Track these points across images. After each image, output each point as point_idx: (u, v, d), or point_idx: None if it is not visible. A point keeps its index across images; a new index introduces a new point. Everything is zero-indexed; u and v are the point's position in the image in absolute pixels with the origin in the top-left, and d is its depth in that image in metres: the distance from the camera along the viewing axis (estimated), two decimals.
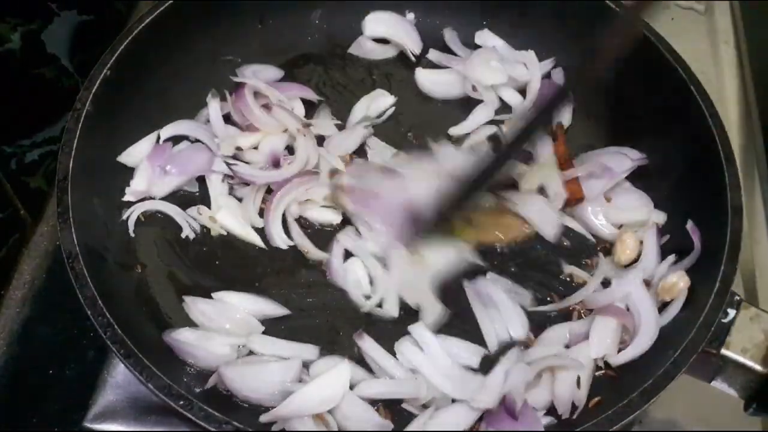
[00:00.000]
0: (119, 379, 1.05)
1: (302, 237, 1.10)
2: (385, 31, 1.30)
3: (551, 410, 0.97)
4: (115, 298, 0.94)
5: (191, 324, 1.02)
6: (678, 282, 1.01)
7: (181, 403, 0.85)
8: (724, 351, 0.93)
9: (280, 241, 1.10)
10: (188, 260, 1.09)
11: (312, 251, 1.09)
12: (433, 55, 1.31)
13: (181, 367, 0.97)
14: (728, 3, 1.58)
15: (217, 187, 1.13)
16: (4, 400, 1.08)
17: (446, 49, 1.32)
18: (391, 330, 1.03)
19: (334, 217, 1.12)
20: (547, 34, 1.29)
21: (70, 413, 1.05)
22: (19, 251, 1.20)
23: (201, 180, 1.14)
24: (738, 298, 0.95)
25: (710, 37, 1.54)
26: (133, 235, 1.08)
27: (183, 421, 0.85)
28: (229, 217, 1.11)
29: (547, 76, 1.29)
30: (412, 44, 1.31)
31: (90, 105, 1.04)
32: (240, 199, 1.13)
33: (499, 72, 1.25)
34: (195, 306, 1.02)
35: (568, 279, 1.10)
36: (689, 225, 1.06)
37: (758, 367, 0.93)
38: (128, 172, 1.12)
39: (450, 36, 1.33)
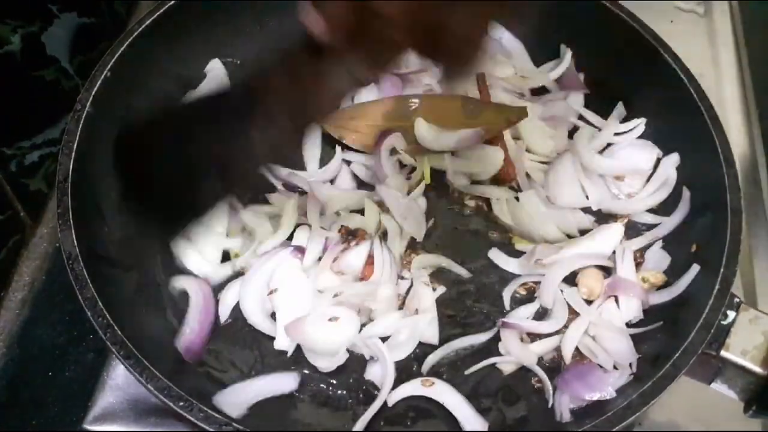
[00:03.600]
0: (119, 380, 1.05)
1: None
2: None
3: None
4: (115, 299, 0.94)
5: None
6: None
7: (181, 404, 0.85)
8: (723, 353, 0.93)
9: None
10: None
11: None
12: None
13: (181, 367, 0.97)
14: (728, 5, 1.58)
15: None
16: (4, 401, 1.07)
17: None
18: None
19: None
20: (548, 35, 1.29)
21: (70, 415, 1.05)
22: (19, 253, 1.20)
23: None
24: (737, 300, 0.95)
25: (710, 40, 1.54)
26: None
27: (183, 422, 0.85)
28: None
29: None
30: None
31: (90, 106, 1.04)
32: None
33: (504, 65, 1.25)
34: None
35: None
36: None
37: (758, 369, 0.93)
38: None
39: None
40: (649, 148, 1.18)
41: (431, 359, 1.02)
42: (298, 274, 1.05)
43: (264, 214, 1.11)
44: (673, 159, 1.15)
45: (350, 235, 1.07)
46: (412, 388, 0.99)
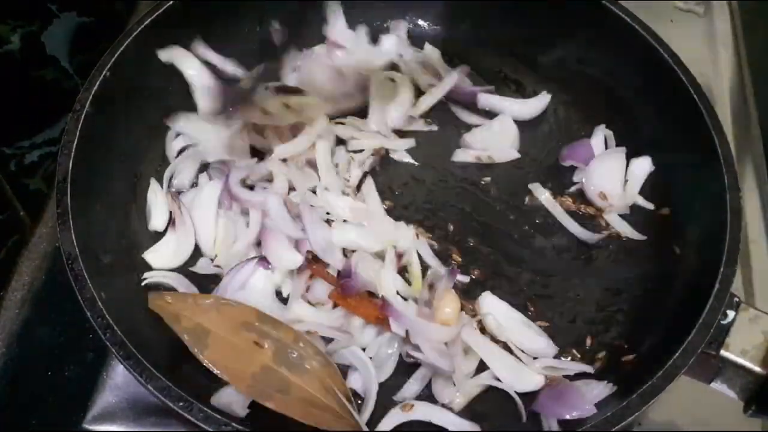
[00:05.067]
0: (118, 380, 1.06)
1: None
2: None
3: None
4: (115, 299, 0.94)
5: None
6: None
7: (181, 404, 0.85)
8: (723, 352, 0.93)
9: None
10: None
11: None
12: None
13: (181, 367, 0.97)
14: (727, 5, 1.59)
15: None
16: (4, 401, 1.07)
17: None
18: None
19: None
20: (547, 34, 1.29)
21: (70, 415, 1.05)
22: (19, 253, 1.20)
23: None
24: (737, 299, 0.95)
25: (709, 40, 1.54)
26: None
27: (182, 422, 0.85)
28: None
29: None
30: None
31: (90, 106, 1.04)
32: None
33: None
34: None
35: None
36: None
37: (757, 369, 0.93)
38: (128, 173, 1.12)
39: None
40: (616, 156, 1.18)
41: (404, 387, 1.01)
42: (265, 294, 1.05)
43: (240, 213, 1.11)
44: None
45: (315, 259, 1.06)
46: (397, 417, 0.97)
